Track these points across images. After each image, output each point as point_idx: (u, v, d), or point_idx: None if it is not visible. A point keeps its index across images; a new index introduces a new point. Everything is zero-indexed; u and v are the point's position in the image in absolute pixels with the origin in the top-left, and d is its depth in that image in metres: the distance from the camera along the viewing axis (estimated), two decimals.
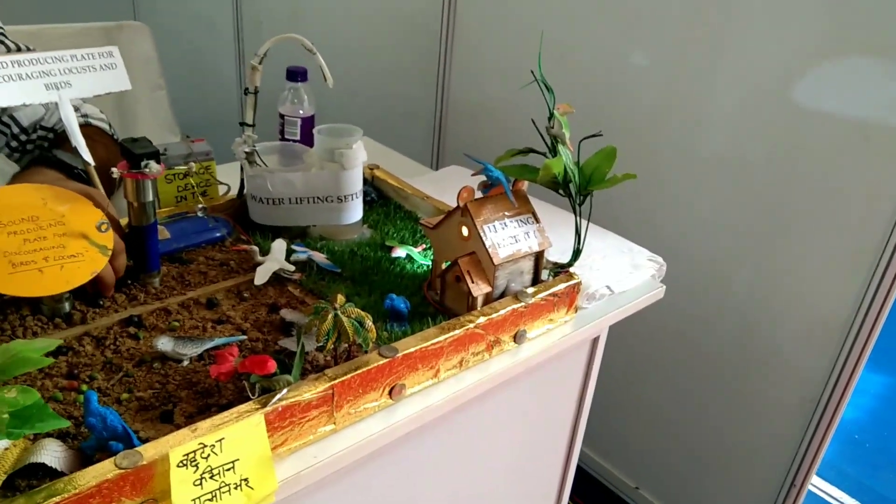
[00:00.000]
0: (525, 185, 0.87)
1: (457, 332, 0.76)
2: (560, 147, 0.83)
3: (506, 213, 0.84)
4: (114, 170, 0.79)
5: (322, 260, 0.92)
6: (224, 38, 2.48)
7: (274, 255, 0.91)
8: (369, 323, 0.70)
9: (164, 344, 0.73)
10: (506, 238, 0.83)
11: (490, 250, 0.81)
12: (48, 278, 0.73)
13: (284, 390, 0.63)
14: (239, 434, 0.59)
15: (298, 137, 1.21)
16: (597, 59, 1.51)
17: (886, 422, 2.40)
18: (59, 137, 1.01)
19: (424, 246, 1.01)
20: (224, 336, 0.77)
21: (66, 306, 0.78)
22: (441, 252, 0.89)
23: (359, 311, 0.70)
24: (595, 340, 1.04)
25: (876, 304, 1.21)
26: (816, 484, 1.82)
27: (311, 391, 0.65)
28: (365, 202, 1.04)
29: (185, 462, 0.56)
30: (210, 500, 0.56)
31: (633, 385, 1.69)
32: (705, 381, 1.53)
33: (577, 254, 0.90)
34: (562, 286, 0.87)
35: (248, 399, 0.63)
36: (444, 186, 1.12)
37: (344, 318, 0.69)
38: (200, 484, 0.56)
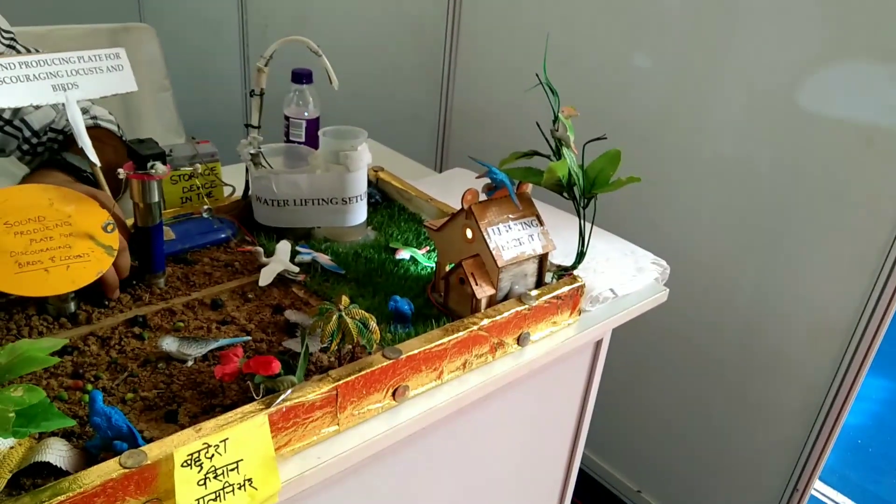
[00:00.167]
0: (529, 188, 0.88)
1: (460, 334, 0.77)
2: (564, 150, 0.83)
3: (510, 216, 0.85)
4: (120, 171, 0.79)
5: (326, 261, 0.92)
6: (229, 40, 2.49)
7: (278, 256, 0.91)
8: (373, 324, 0.71)
9: (169, 344, 0.73)
10: (510, 240, 0.83)
11: (494, 252, 0.81)
12: (54, 278, 0.73)
13: (288, 391, 0.64)
14: (243, 434, 0.60)
15: (303, 139, 1.22)
16: (601, 62, 1.51)
17: (889, 427, 2.39)
18: (69, 139, 1.02)
19: (428, 248, 1.01)
20: (228, 337, 0.78)
21: (72, 306, 0.79)
22: (445, 254, 0.89)
23: (363, 312, 0.71)
24: (598, 343, 1.04)
25: (880, 308, 1.21)
26: (819, 489, 1.82)
27: (314, 392, 0.65)
28: (369, 204, 1.04)
29: (189, 462, 0.56)
30: (214, 499, 0.56)
31: (636, 388, 1.69)
32: (708, 385, 1.53)
33: (580, 256, 0.90)
34: (565, 289, 0.87)
35: (252, 400, 0.63)
36: (449, 189, 1.12)
37: (348, 320, 0.69)
38: (204, 484, 0.56)
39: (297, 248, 0.94)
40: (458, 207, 0.84)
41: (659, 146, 1.46)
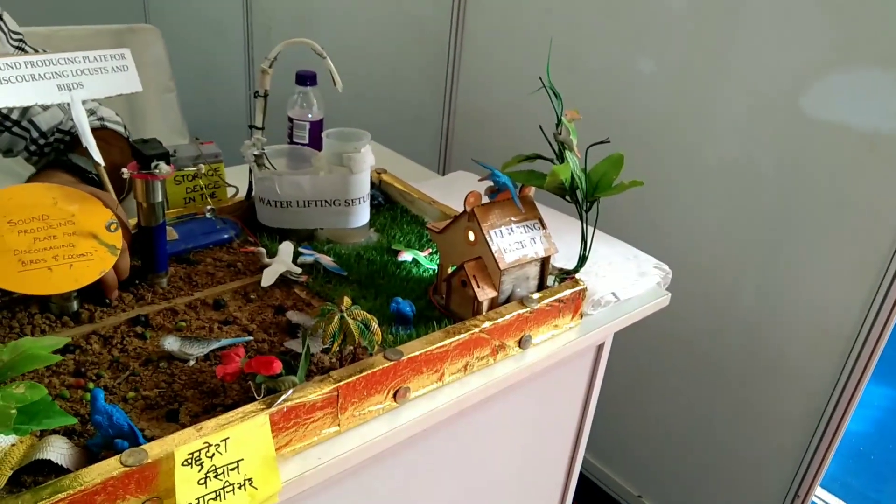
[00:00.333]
0: (532, 191, 0.88)
1: (462, 336, 0.77)
2: (567, 153, 0.83)
3: (512, 219, 0.85)
4: (124, 170, 0.79)
5: (329, 263, 0.93)
6: (234, 41, 2.50)
7: (281, 257, 0.91)
8: (375, 326, 0.71)
9: (171, 344, 0.73)
10: (512, 243, 0.83)
11: (496, 255, 0.81)
12: (57, 277, 0.73)
13: (289, 391, 0.64)
14: (244, 434, 0.60)
15: (307, 141, 1.22)
16: (605, 65, 1.51)
17: (892, 434, 2.39)
18: (75, 141, 1.02)
19: (430, 250, 1.01)
20: (230, 337, 0.78)
21: (75, 305, 0.79)
22: (447, 256, 0.89)
23: (364, 313, 0.71)
24: (600, 347, 1.04)
25: (882, 314, 1.21)
26: (820, 496, 1.81)
27: (315, 393, 0.65)
28: (372, 206, 1.04)
29: (189, 461, 0.56)
30: (214, 499, 0.56)
31: (637, 392, 1.68)
32: (710, 390, 1.52)
33: (583, 260, 0.90)
34: (567, 292, 0.87)
35: (253, 399, 0.63)
36: (451, 191, 1.12)
37: (350, 321, 0.69)
38: (205, 483, 0.56)
39: (300, 249, 0.94)
40: (461, 210, 0.84)
41: (662, 150, 1.46)
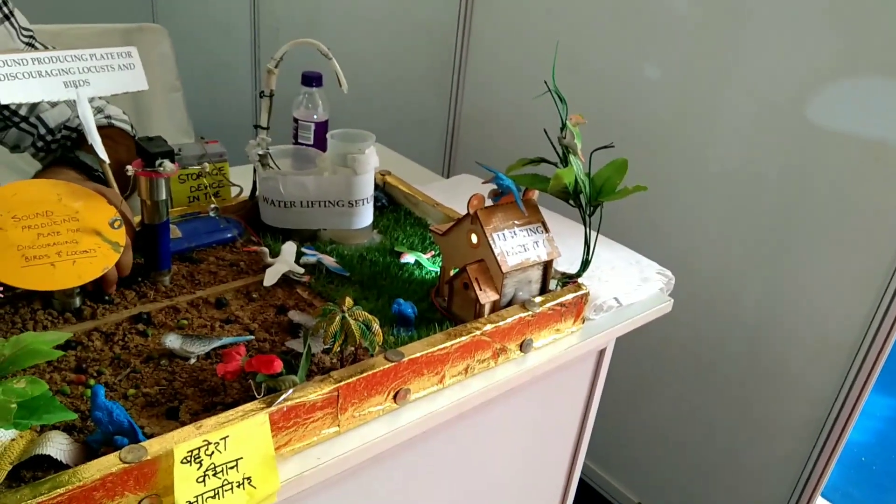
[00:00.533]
0: (535, 195, 0.88)
1: (463, 338, 0.77)
2: (571, 157, 0.83)
3: (515, 222, 0.85)
4: (128, 167, 0.80)
5: (331, 263, 0.93)
6: (241, 42, 2.50)
7: (284, 257, 0.91)
8: (376, 326, 0.71)
9: (172, 341, 0.73)
10: (515, 246, 0.83)
11: (499, 258, 0.81)
12: (60, 273, 0.73)
13: (290, 391, 0.64)
14: (243, 433, 0.60)
15: (312, 142, 1.22)
16: (610, 70, 1.51)
17: (894, 445, 2.37)
18: (82, 137, 1.03)
19: (433, 252, 1.01)
20: (232, 336, 0.78)
21: (77, 301, 0.79)
22: (450, 259, 0.89)
23: (366, 314, 0.71)
24: (602, 352, 1.04)
25: (886, 324, 1.20)
26: None
27: (316, 392, 0.65)
28: (375, 207, 1.04)
29: (188, 459, 0.56)
30: (212, 497, 0.56)
31: (638, 398, 1.68)
32: (711, 397, 1.52)
33: (585, 264, 0.90)
34: (569, 296, 0.87)
35: (253, 398, 0.63)
36: (455, 194, 1.12)
37: (351, 321, 0.69)
38: (203, 481, 0.56)
39: (303, 250, 0.94)
40: (464, 212, 0.84)
41: (666, 156, 1.46)
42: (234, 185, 1.05)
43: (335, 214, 0.99)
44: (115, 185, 0.87)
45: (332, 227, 1.01)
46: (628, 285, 1.00)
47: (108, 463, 0.54)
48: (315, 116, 1.22)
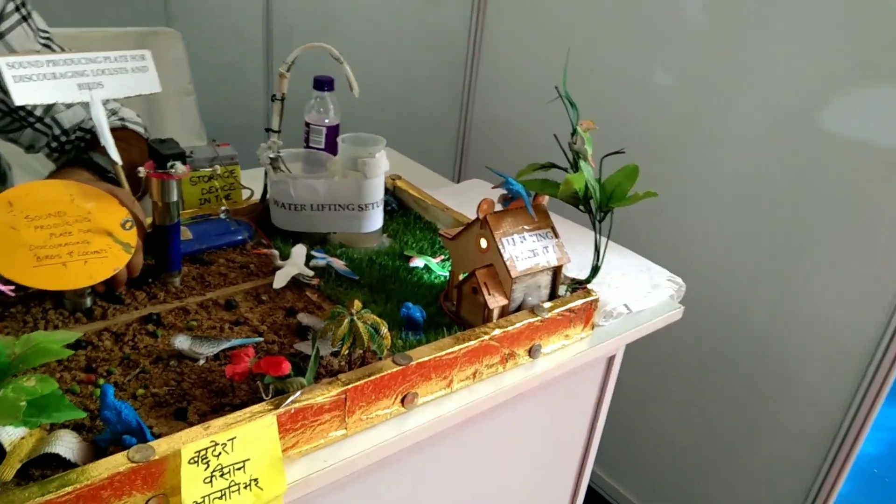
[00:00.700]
0: (545, 200, 0.88)
1: (471, 343, 0.76)
2: (582, 163, 0.83)
3: (525, 227, 0.85)
4: (140, 169, 0.80)
5: (341, 267, 0.93)
6: (253, 46, 2.52)
7: (294, 260, 0.91)
8: (385, 330, 0.71)
9: (182, 342, 0.74)
10: (524, 251, 0.83)
11: (508, 263, 0.81)
12: (71, 273, 0.74)
13: (298, 393, 0.64)
14: (251, 434, 0.60)
15: (323, 145, 1.22)
16: (621, 77, 1.51)
17: None
18: (96, 139, 1.03)
19: (443, 257, 1.01)
20: (241, 337, 0.78)
21: (88, 301, 0.80)
22: (459, 263, 0.89)
23: (375, 317, 0.71)
24: (611, 359, 1.04)
25: None
26: None
27: (323, 395, 0.65)
28: (385, 211, 1.04)
29: (196, 459, 0.56)
30: (219, 497, 0.56)
31: (647, 405, 1.67)
32: (721, 405, 1.51)
33: (595, 270, 0.90)
34: (579, 302, 0.87)
35: (261, 400, 0.63)
36: (465, 199, 1.12)
37: (360, 324, 0.69)
38: (210, 482, 0.56)
39: (313, 253, 0.94)
40: (474, 217, 0.84)
41: (677, 162, 1.45)
42: (245, 187, 1.05)
43: (345, 218, 0.99)
44: (127, 186, 0.88)
45: (342, 230, 1.01)
46: (638, 292, 1.00)
47: (116, 462, 0.54)
48: (326, 120, 1.22)
